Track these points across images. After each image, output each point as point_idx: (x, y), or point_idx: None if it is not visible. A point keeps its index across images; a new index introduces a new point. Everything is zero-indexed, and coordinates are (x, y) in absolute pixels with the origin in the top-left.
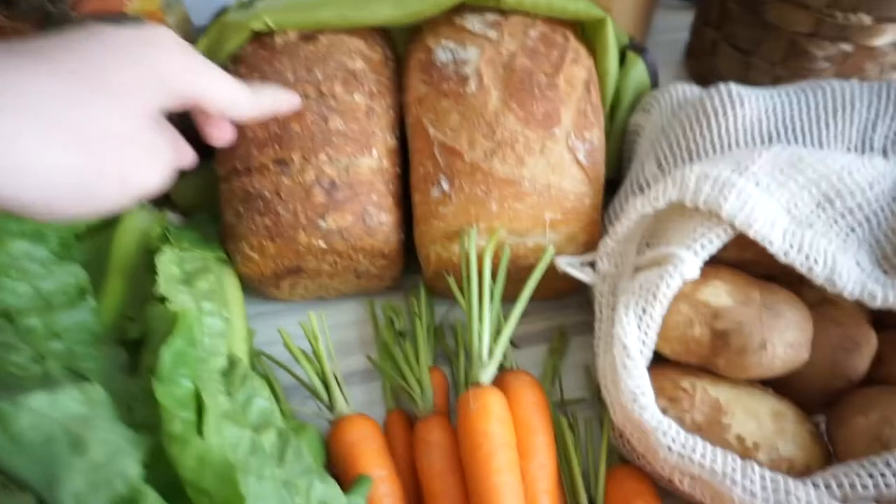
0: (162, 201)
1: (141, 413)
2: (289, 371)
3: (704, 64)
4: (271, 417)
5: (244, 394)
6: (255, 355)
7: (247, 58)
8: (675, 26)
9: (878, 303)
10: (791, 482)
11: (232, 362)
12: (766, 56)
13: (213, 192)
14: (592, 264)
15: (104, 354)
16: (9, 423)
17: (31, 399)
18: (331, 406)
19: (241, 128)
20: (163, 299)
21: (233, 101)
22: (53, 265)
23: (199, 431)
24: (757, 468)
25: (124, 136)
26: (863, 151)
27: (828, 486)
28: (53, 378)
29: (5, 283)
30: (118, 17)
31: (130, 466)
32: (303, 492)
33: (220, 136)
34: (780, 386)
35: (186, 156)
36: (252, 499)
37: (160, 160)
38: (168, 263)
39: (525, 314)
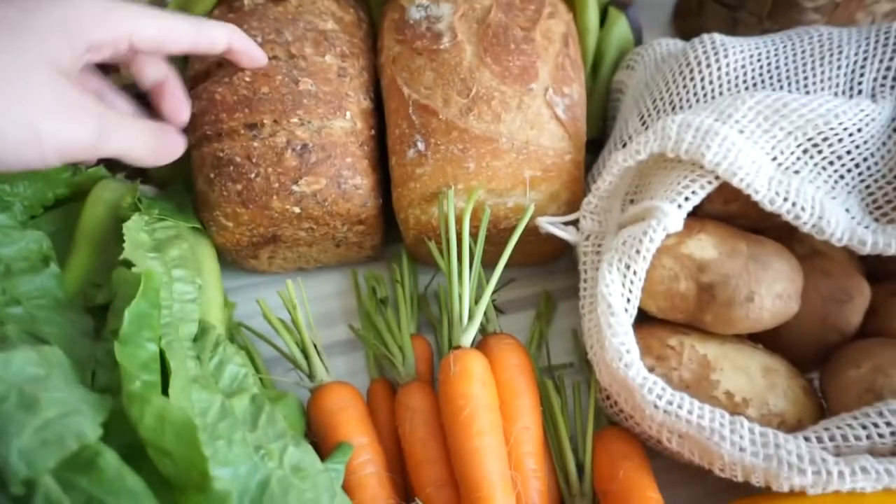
0: (136, 173)
1: (104, 378)
2: (268, 342)
3: (692, 24)
4: (244, 383)
5: (216, 360)
6: (235, 327)
7: None
8: None
9: (867, 249)
10: (781, 436)
11: (204, 329)
12: (754, 10)
13: (188, 164)
14: (576, 224)
15: (68, 320)
16: None
17: None
18: (311, 375)
19: (209, 91)
20: (129, 264)
21: (167, 31)
22: (14, 231)
23: (165, 395)
24: (746, 423)
25: (30, 90)
26: (850, 97)
27: (819, 440)
28: (11, 341)
29: None
30: None
31: (86, 425)
32: (276, 456)
33: (175, 108)
34: (770, 342)
35: (169, 141)
36: (220, 462)
37: (80, 115)
38: (135, 230)
39: (511, 280)
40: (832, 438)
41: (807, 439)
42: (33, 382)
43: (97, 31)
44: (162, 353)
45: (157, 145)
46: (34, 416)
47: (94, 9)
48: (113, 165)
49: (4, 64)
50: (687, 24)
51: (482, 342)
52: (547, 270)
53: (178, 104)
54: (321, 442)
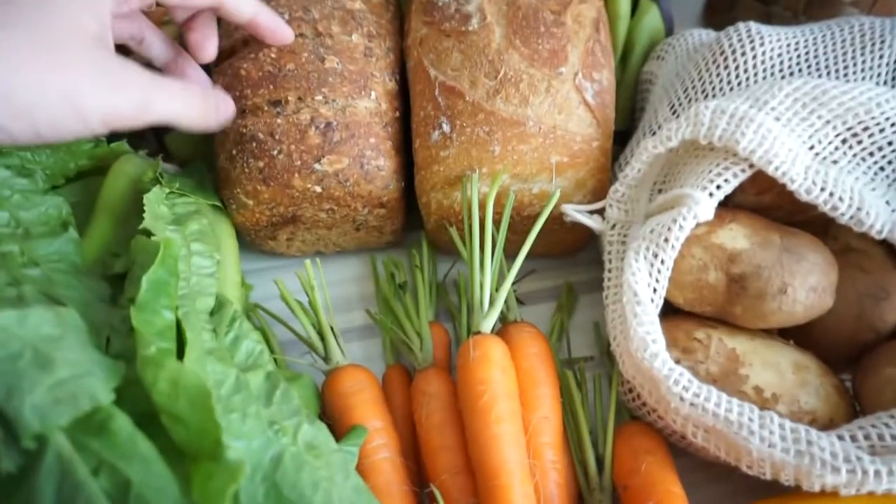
0: (157, 151)
1: (119, 345)
2: (284, 324)
3: (723, 19)
4: (259, 360)
5: (232, 334)
6: (252, 309)
7: None
8: None
9: None
10: (814, 433)
11: (220, 303)
12: (788, 5)
13: (209, 143)
14: (601, 213)
15: (85, 285)
16: None
17: None
18: (326, 358)
19: (234, 67)
20: (148, 234)
21: None
22: (35, 196)
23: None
24: (776, 418)
25: (68, 62)
26: (894, 87)
27: (854, 438)
28: (27, 301)
29: None
30: None
31: (99, 388)
32: (290, 433)
33: (204, 43)
34: (802, 339)
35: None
36: (233, 435)
37: (122, 84)
38: (156, 202)
39: (532, 271)
40: (867, 437)
41: (840, 438)
42: (48, 342)
43: None
44: (178, 324)
45: (207, 108)
46: (48, 375)
47: None
48: (137, 140)
49: (38, 38)
50: (718, 19)
51: (502, 330)
52: (568, 262)
53: (204, 38)
54: (335, 424)
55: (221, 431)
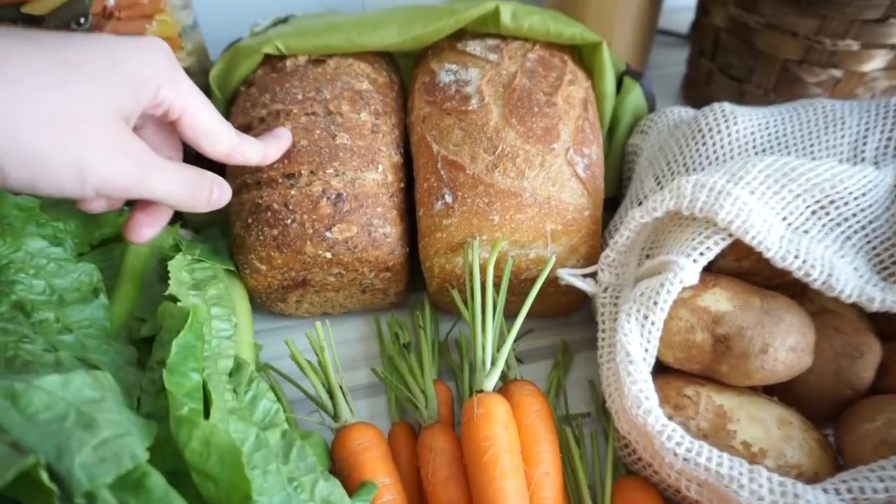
0: (174, 218)
1: (149, 405)
2: (294, 383)
3: (700, 93)
4: (276, 419)
5: (250, 394)
6: (262, 368)
7: (258, 80)
8: (671, 61)
9: (875, 306)
10: (800, 486)
11: (238, 364)
12: (760, 83)
13: (222, 210)
14: (594, 276)
15: (114, 349)
16: (23, 402)
17: (43, 381)
18: (335, 415)
19: None
20: (174, 299)
21: (213, 132)
22: (68, 264)
23: None
24: (765, 472)
25: (93, 124)
26: (854, 164)
27: (837, 492)
28: (65, 366)
29: (22, 278)
30: None
31: (138, 447)
32: (308, 489)
33: (142, 226)
34: (785, 396)
35: (213, 190)
36: (256, 490)
37: (125, 157)
38: (179, 269)
39: (530, 331)
40: (850, 491)
41: (825, 491)
42: (89, 404)
43: (164, 90)
44: (203, 385)
45: (199, 194)
46: (92, 435)
47: (169, 70)
48: None
49: (71, 100)
50: (696, 94)
51: (503, 388)
52: (563, 322)
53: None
54: (345, 480)
55: (251, 487)
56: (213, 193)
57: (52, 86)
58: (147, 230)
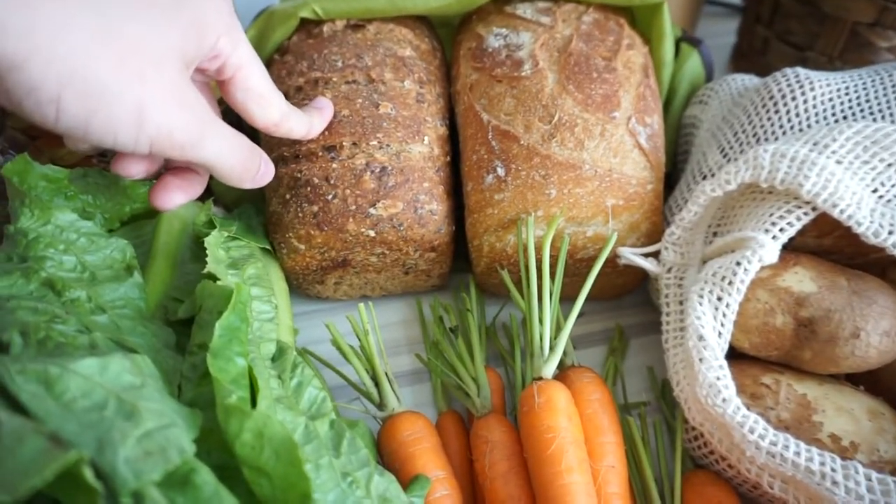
0: (205, 194)
1: (190, 393)
2: (336, 370)
3: (754, 63)
4: (323, 407)
5: (296, 381)
6: (301, 353)
7: (293, 47)
8: (718, 32)
9: None
10: None
11: (281, 349)
12: (824, 50)
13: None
14: (656, 256)
15: (151, 331)
16: (58, 388)
17: (80, 364)
18: (381, 404)
19: None
20: (213, 278)
21: (265, 96)
22: (100, 239)
23: None
24: (861, 468)
25: (159, 68)
26: None
27: None
28: (100, 348)
29: (52, 254)
30: None
31: (184, 439)
32: (363, 484)
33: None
34: (870, 385)
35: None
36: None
37: (188, 112)
38: (216, 246)
39: (581, 315)
40: None
41: None
42: (130, 391)
43: (223, 41)
44: (249, 371)
45: (250, 164)
46: (135, 426)
47: (230, 21)
48: None
49: (140, 37)
50: (749, 65)
51: (561, 375)
52: (615, 306)
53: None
54: (394, 474)
55: (311, 485)
56: (260, 167)
57: (122, 19)
58: (177, 195)
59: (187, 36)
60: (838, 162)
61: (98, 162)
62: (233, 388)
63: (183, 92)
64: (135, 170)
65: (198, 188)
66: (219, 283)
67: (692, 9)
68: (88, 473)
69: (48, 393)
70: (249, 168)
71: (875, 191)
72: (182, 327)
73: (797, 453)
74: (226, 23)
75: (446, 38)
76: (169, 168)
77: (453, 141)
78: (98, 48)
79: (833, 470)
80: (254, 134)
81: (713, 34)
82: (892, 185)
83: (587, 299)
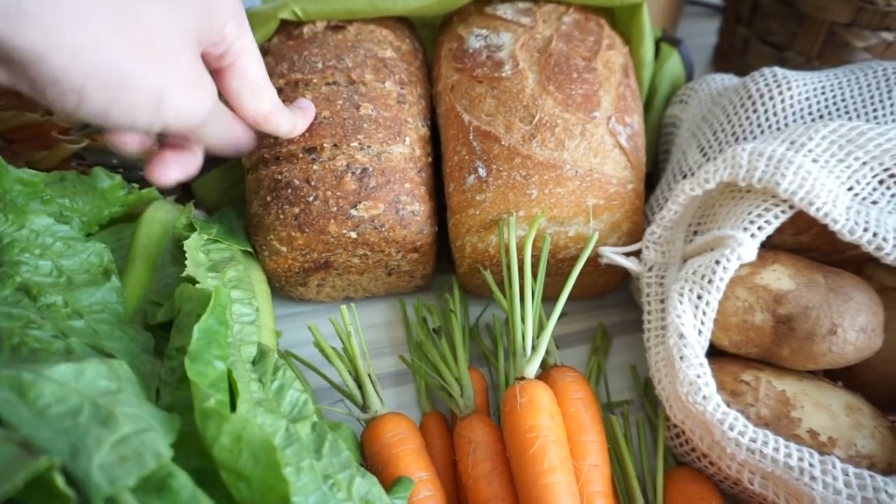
0: (185, 198)
1: (168, 398)
2: (318, 372)
3: (734, 63)
4: (304, 410)
5: (277, 384)
6: (284, 356)
7: (273, 49)
8: (699, 32)
9: None
10: (879, 478)
11: (262, 352)
12: (802, 50)
13: (236, 190)
14: (637, 255)
15: (129, 336)
16: (31, 394)
17: (54, 370)
18: (364, 406)
19: None
20: (192, 281)
21: (260, 87)
22: (76, 243)
23: None
24: (839, 463)
25: (175, 52)
26: None
27: None
28: (76, 354)
29: (27, 258)
30: None
31: (161, 443)
32: (344, 487)
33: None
34: (848, 382)
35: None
36: (292, 490)
37: (201, 90)
38: (195, 249)
39: (563, 315)
40: None
41: None
42: (106, 396)
43: (230, 26)
44: (228, 374)
45: (242, 137)
46: (110, 431)
47: (237, 7)
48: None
49: (157, 22)
50: (729, 64)
51: (544, 375)
52: (597, 305)
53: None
54: (377, 476)
55: (290, 488)
56: (246, 138)
57: (141, 2)
58: (174, 170)
59: (200, 19)
60: (815, 160)
61: (76, 165)
62: (211, 392)
63: (198, 75)
64: (131, 144)
65: (194, 165)
66: (198, 286)
67: (672, 9)
68: (59, 480)
69: (21, 400)
70: (242, 139)
71: (850, 189)
72: (161, 331)
73: (776, 449)
74: (234, 9)
75: (427, 38)
76: (164, 144)
77: (435, 142)
78: (119, 36)
79: (811, 465)
80: None
81: (694, 34)
82: (867, 183)
83: (569, 299)
